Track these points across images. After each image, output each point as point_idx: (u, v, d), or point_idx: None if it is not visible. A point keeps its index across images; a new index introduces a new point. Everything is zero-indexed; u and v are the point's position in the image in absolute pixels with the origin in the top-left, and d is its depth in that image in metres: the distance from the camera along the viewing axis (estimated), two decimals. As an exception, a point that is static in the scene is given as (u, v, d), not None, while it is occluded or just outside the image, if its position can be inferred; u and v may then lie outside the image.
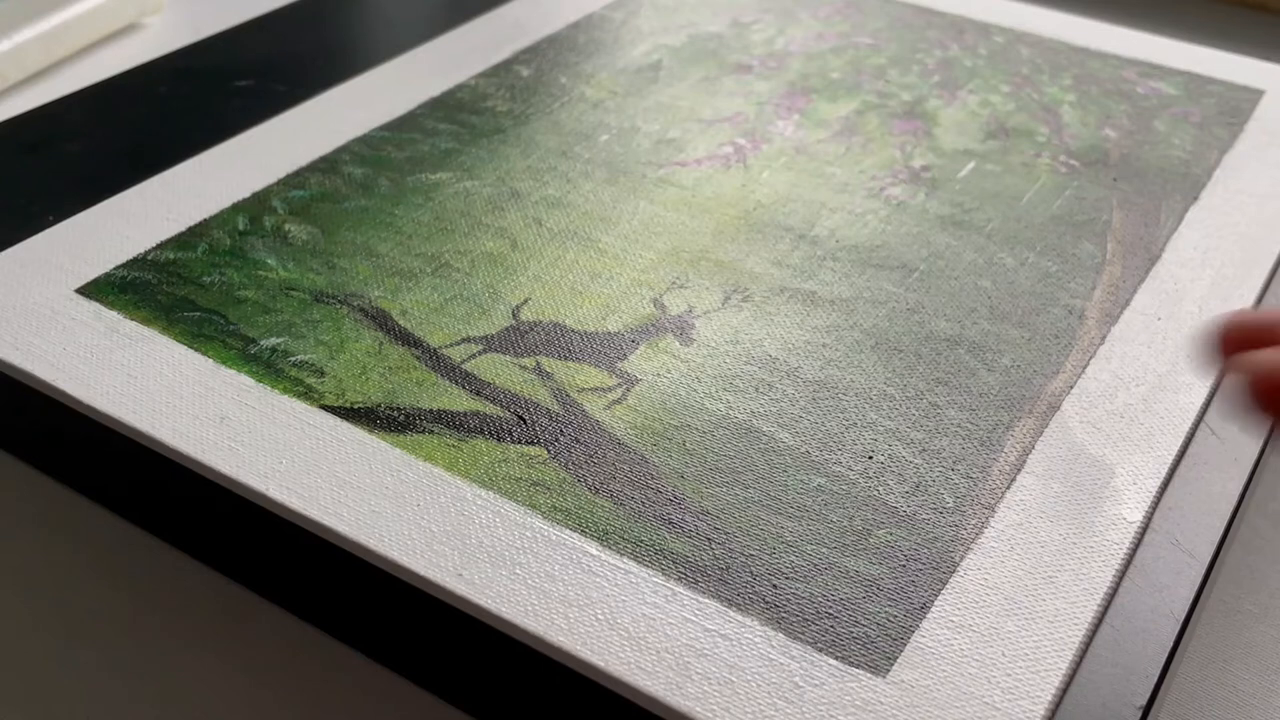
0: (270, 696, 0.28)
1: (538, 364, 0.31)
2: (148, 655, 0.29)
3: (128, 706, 0.28)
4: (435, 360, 0.31)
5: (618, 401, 0.30)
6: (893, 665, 0.24)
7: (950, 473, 0.29)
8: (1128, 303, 0.34)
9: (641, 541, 0.27)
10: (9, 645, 0.30)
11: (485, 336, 0.32)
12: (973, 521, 0.27)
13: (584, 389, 0.31)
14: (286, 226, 0.36)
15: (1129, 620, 0.26)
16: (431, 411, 0.30)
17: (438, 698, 0.28)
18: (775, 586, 0.26)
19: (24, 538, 0.32)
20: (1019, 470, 0.29)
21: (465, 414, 0.30)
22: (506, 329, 0.33)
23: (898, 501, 0.28)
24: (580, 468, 0.28)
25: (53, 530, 0.32)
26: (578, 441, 0.29)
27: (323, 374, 0.31)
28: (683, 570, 0.26)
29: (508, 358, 0.32)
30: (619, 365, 0.32)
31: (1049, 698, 0.24)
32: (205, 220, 0.37)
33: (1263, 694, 0.30)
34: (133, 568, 0.31)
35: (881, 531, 0.27)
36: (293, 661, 0.29)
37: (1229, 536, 0.29)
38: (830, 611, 0.25)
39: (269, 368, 0.31)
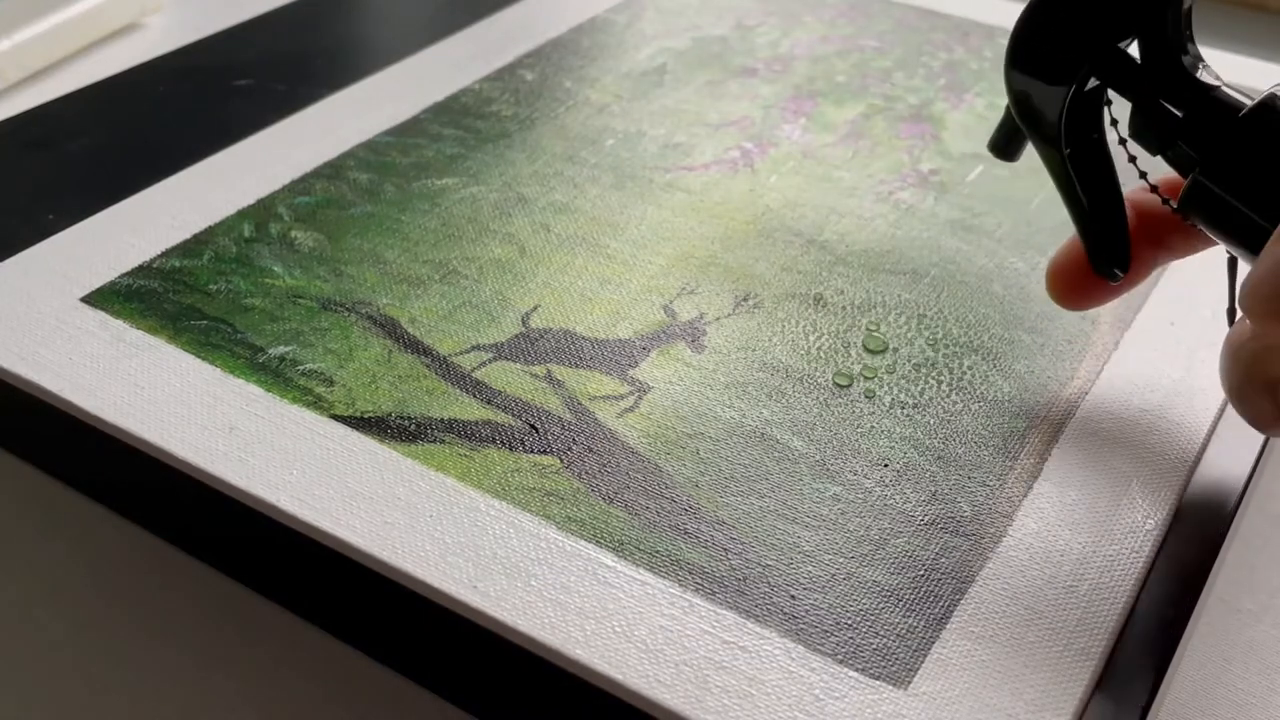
0: (282, 704, 0.28)
1: (549, 372, 0.31)
2: (156, 660, 0.29)
3: (137, 712, 0.28)
4: (445, 368, 0.31)
5: (630, 409, 0.30)
6: (914, 677, 0.24)
7: (967, 480, 0.28)
8: (1140, 308, 0.34)
9: (657, 552, 0.26)
10: (17, 648, 0.29)
11: (495, 344, 0.32)
12: (991, 530, 0.27)
13: (595, 397, 0.30)
14: (292, 233, 0.36)
15: (1129, 620, 0.26)
16: (443, 421, 0.29)
17: (455, 706, 0.28)
18: (794, 597, 0.25)
19: (35, 542, 0.32)
20: (1036, 478, 0.28)
21: (477, 423, 0.29)
22: (516, 336, 0.32)
23: (915, 510, 0.28)
24: (594, 477, 0.28)
25: (66, 537, 0.32)
26: (590, 450, 0.29)
27: (332, 383, 0.30)
28: (700, 581, 0.26)
29: (518, 365, 0.31)
30: (630, 373, 0.31)
31: (1073, 709, 0.23)
32: (210, 227, 0.36)
33: (1263, 694, 0.30)
34: (144, 573, 0.31)
35: (899, 540, 0.27)
36: (305, 668, 0.29)
37: (1229, 536, 0.29)
38: (849, 622, 0.25)
39: (277, 376, 0.31)
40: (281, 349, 0.32)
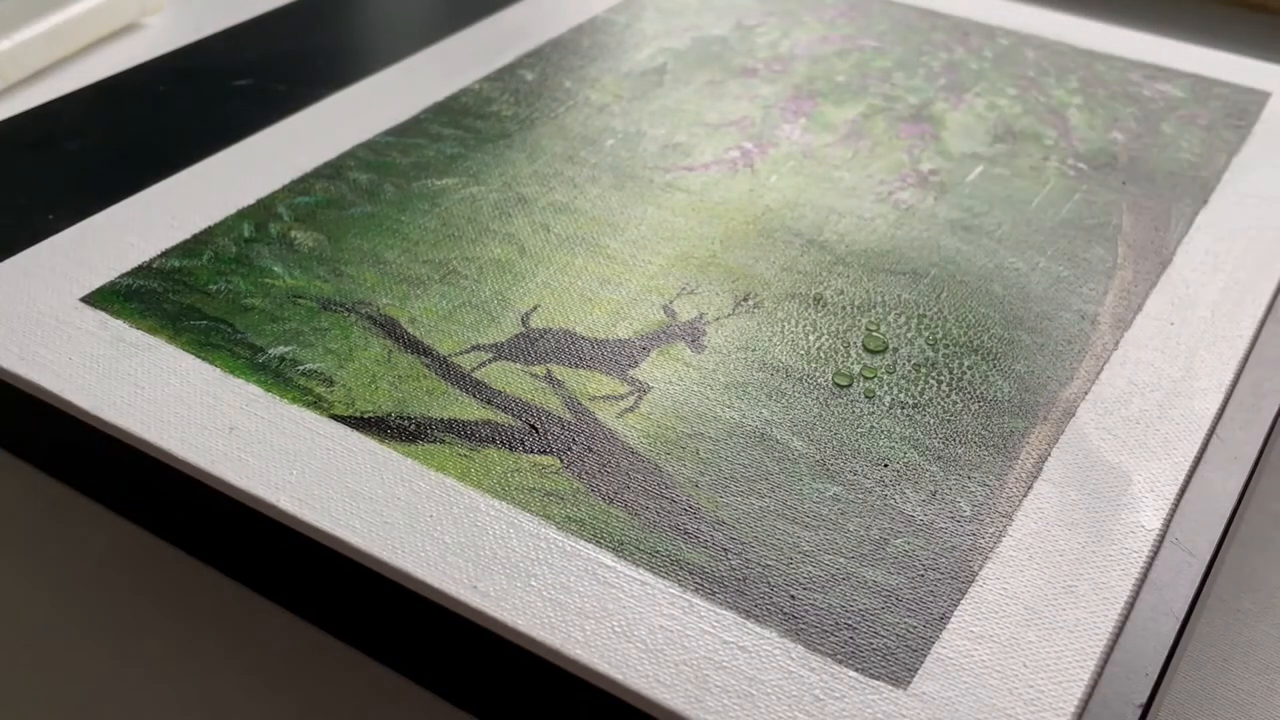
0: (282, 704, 0.28)
1: (548, 372, 0.31)
2: (156, 660, 0.29)
3: (137, 712, 0.28)
4: (445, 369, 0.31)
5: (630, 409, 0.30)
6: (913, 677, 0.24)
7: (967, 480, 0.28)
8: (1140, 307, 0.34)
9: (657, 552, 0.26)
10: (17, 647, 0.29)
11: (495, 344, 0.32)
12: (991, 530, 0.27)
13: (595, 397, 0.30)
14: (292, 233, 0.36)
15: (1129, 619, 0.26)
16: (443, 421, 0.29)
17: (455, 706, 0.28)
18: (793, 597, 0.25)
19: (35, 542, 0.32)
20: (1035, 478, 0.28)
21: (477, 423, 0.29)
22: (516, 336, 0.32)
23: (914, 510, 0.28)
24: (594, 477, 0.28)
25: (66, 537, 0.32)
26: (590, 450, 0.29)
27: (332, 383, 0.30)
28: (700, 581, 0.26)
29: (518, 365, 0.31)
30: (630, 373, 0.31)
31: (1071, 709, 0.23)
32: (210, 227, 0.36)
33: (1263, 693, 0.30)
34: (144, 573, 0.31)
35: (899, 540, 0.27)
36: (305, 668, 0.29)
37: (1229, 535, 0.29)
38: (849, 622, 0.25)
39: (277, 377, 0.31)
40: (281, 349, 0.32)
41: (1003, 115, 0.43)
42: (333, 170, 0.39)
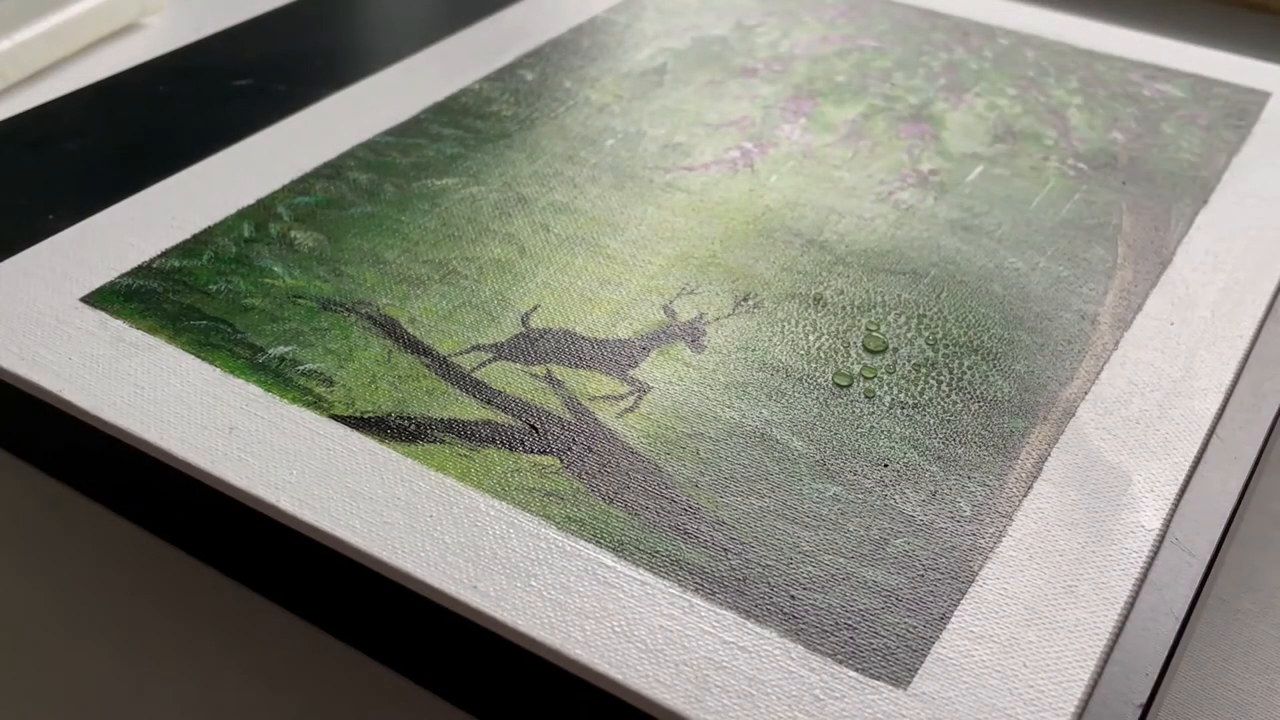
0: (282, 704, 0.28)
1: (548, 372, 0.31)
2: (156, 660, 0.29)
3: (136, 713, 0.28)
4: (445, 369, 0.31)
5: (630, 409, 0.30)
6: (913, 677, 0.24)
7: (967, 480, 0.28)
8: (1140, 307, 0.34)
9: (657, 552, 0.26)
10: (17, 648, 0.29)
11: (495, 344, 0.32)
12: (991, 530, 0.27)
13: (595, 397, 0.30)
14: (292, 233, 0.36)
15: (1129, 619, 0.26)
16: (442, 421, 0.29)
17: (455, 706, 0.28)
18: (793, 597, 0.25)
19: (35, 542, 0.32)
20: (1035, 478, 0.28)
21: (477, 423, 0.29)
22: (516, 336, 0.32)
23: (914, 510, 0.28)
24: (593, 477, 0.28)
25: (66, 537, 0.32)
26: (590, 450, 0.29)
27: (332, 383, 0.30)
28: (700, 581, 0.26)
29: (518, 365, 0.31)
30: (630, 373, 0.31)
31: (1072, 709, 0.23)
32: (210, 227, 0.36)
33: (1263, 693, 0.30)
34: (144, 573, 0.31)
35: (899, 541, 0.27)
36: (306, 668, 0.29)
37: (1229, 535, 0.29)
38: (849, 622, 0.25)
39: (277, 377, 0.31)
40: (281, 349, 0.32)
41: (1003, 115, 0.43)
42: (333, 170, 0.39)
